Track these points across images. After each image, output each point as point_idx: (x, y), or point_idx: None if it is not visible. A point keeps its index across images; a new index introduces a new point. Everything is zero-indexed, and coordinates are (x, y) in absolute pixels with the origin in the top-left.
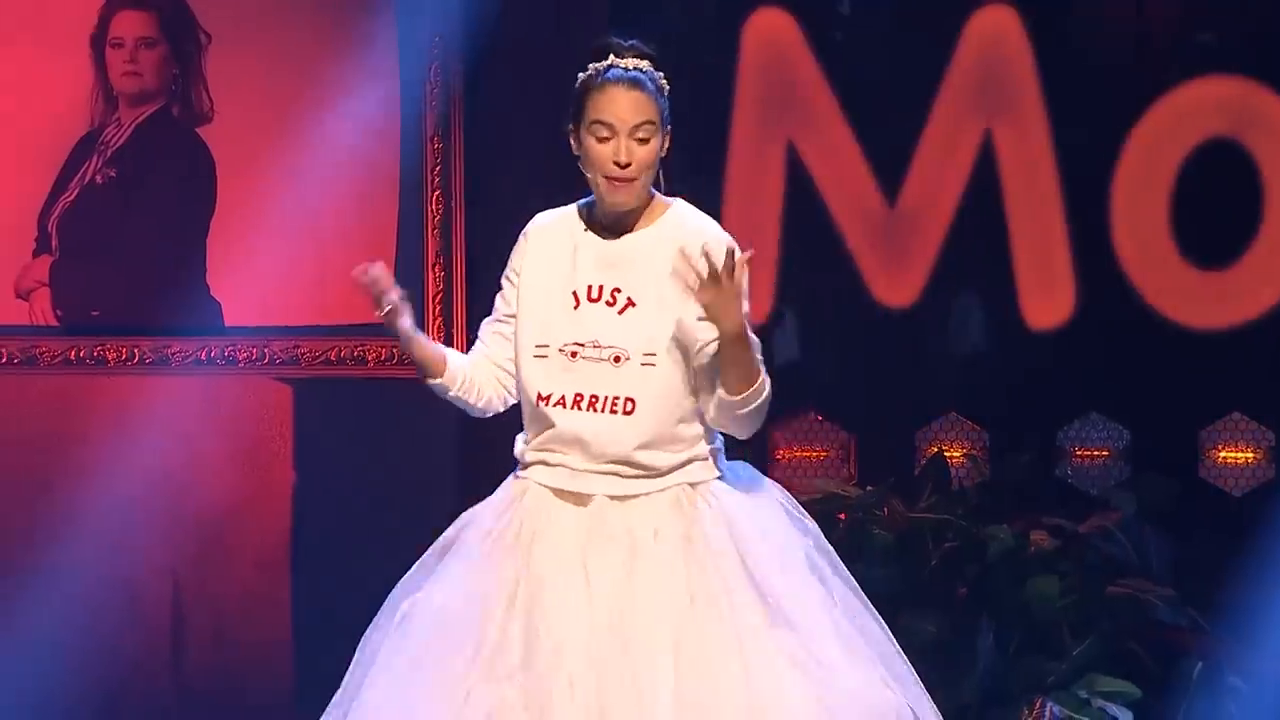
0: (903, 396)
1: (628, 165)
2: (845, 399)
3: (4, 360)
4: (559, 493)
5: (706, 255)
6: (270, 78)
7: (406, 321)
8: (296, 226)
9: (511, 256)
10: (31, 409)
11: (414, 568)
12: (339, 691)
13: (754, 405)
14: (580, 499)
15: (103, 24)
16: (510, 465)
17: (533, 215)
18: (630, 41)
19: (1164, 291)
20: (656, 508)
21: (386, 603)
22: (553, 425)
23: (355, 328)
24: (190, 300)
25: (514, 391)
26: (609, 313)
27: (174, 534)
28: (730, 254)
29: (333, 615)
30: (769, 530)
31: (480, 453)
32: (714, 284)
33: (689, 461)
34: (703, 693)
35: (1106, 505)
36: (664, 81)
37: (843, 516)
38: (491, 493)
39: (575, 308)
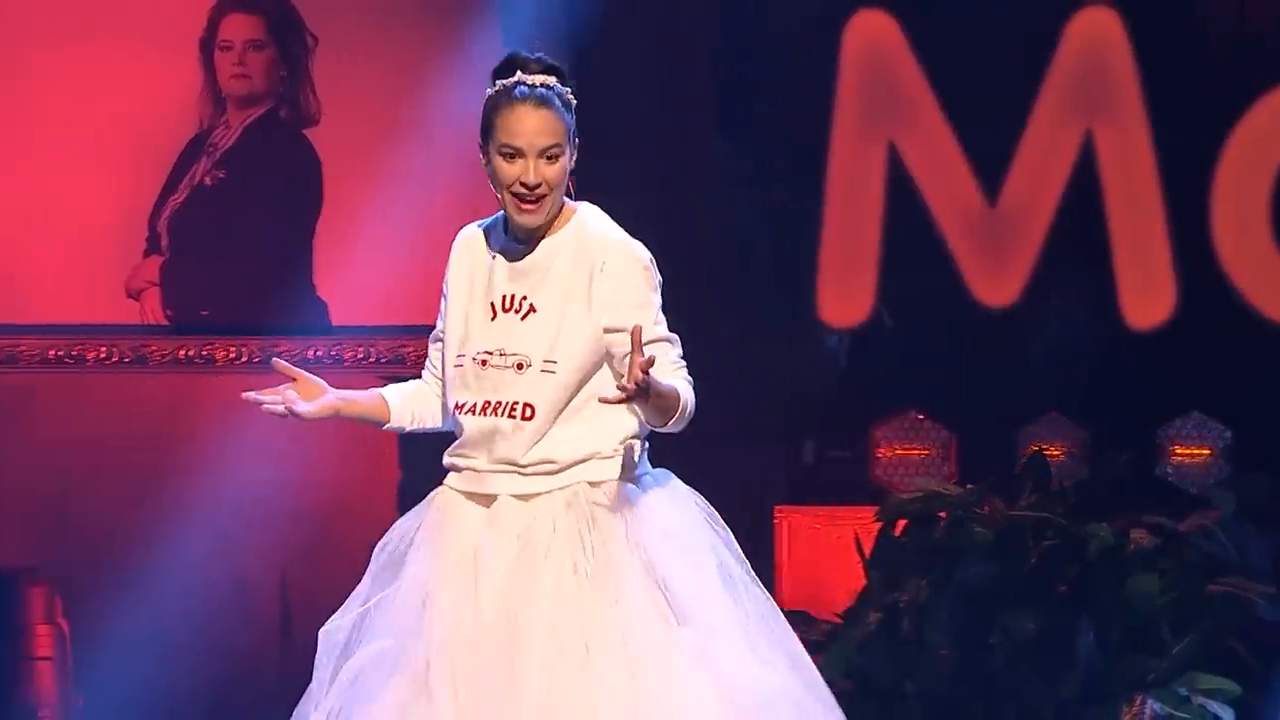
0: (1003, 395)
1: (537, 186)
2: (946, 398)
3: (115, 359)
4: (469, 495)
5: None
6: (376, 80)
7: (326, 400)
8: (401, 226)
9: (446, 273)
10: (141, 408)
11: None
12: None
13: (677, 425)
14: (486, 500)
15: (212, 27)
16: None
17: (634, 217)
18: (536, 55)
19: (1264, 290)
20: (553, 505)
21: (324, 638)
22: (463, 431)
23: None
24: (297, 300)
25: None
26: (515, 320)
27: (282, 531)
28: (647, 362)
29: None
30: (672, 530)
31: None
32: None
33: (589, 458)
34: (583, 685)
35: (1207, 504)
36: (571, 96)
37: (943, 515)
38: None
39: (492, 319)
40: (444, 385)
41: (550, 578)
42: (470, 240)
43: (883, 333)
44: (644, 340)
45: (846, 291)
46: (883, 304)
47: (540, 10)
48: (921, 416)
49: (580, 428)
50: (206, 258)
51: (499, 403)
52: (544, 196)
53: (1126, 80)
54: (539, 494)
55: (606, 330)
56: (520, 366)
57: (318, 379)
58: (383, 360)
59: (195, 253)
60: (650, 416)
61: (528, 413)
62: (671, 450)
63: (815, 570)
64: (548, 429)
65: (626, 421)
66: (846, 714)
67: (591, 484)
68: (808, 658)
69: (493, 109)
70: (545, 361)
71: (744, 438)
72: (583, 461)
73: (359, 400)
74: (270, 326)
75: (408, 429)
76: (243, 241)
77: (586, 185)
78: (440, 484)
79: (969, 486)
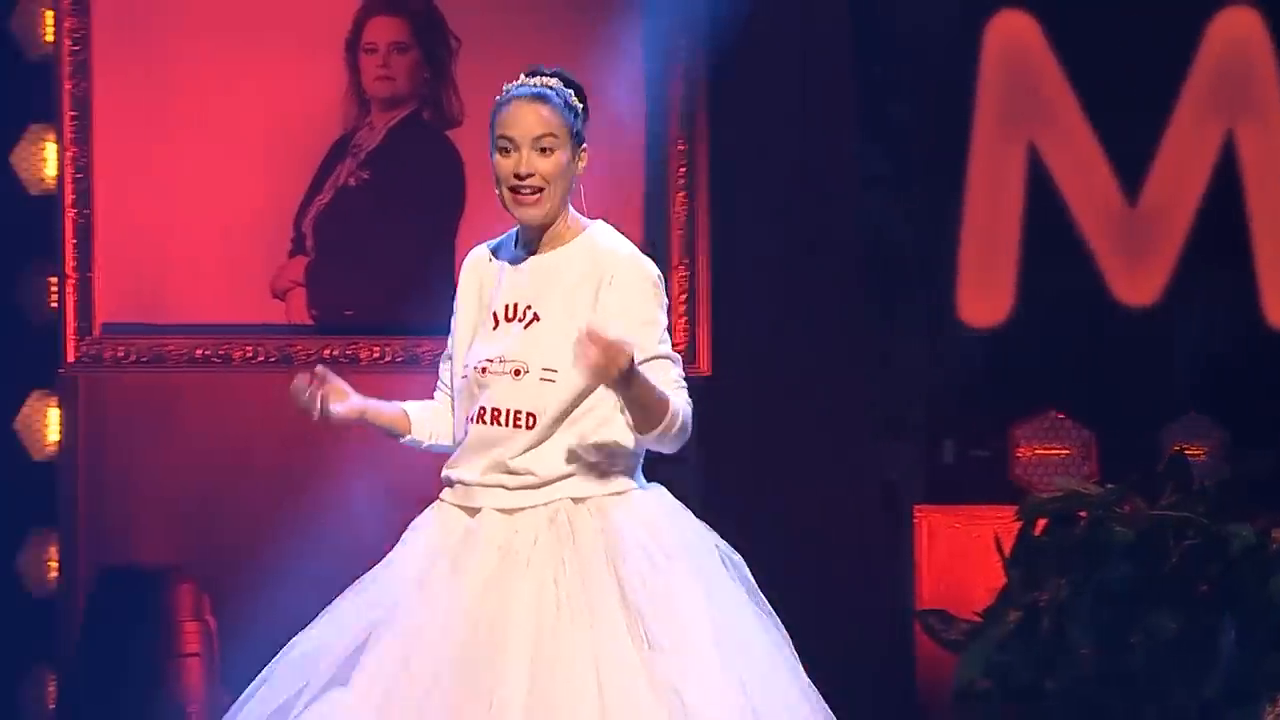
0: (1143, 395)
1: (528, 176)
2: (1086, 397)
3: (260, 359)
4: (458, 507)
5: (588, 336)
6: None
7: (352, 403)
8: None
9: (457, 290)
10: (286, 407)
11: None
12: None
13: (669, 434)
14: (472, 513)
15: (357, 29)
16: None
17: (774, 216)
18: (554, 70)
19: None
20: (536, 520)
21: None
22: (465, 440)
23: None
24: (440, 300)
25: None
26: (517, 328)
27: None
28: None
29: None
30: (654, 550)
31: (722, 448)
32: (595, 366)
33: (572, 474)
34: (553, 706)
35: None
36: (576, 101)
37: (1083, 515)
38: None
39: (495, 328)
40: (454, 401)
41: (529, 591)
42: (479, 258)
43: (1023, 332)
44: (647, 356)
45: (986, 291)
46: (1023, 303)
47: (682, 11)
48: (1061, 416)
49: (569, 441)
50: (351, 258)
51: (499, 410)
52: (540, 190)
53: (1268, 79)
54: (522, 509)
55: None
56: (517, 373)
57: (345, 385)
58: None
59: (340, 253)
60: (634, 414)
61: (530, 422)
62: (812, 451)
63: (955, 569)
64: (545, 438)
65: (616, 438)
66: (985, 714)
67: (575, 500)
68: (806, 679)
69: (493, 113)
70: (544, 370)
71: (884, 438)
72: (566, 477)
73: (383, 410)
74: (413, 326)
75: (424, 445)
76: (386, 242)
77: (727, 184)
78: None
79: (1109, 486)
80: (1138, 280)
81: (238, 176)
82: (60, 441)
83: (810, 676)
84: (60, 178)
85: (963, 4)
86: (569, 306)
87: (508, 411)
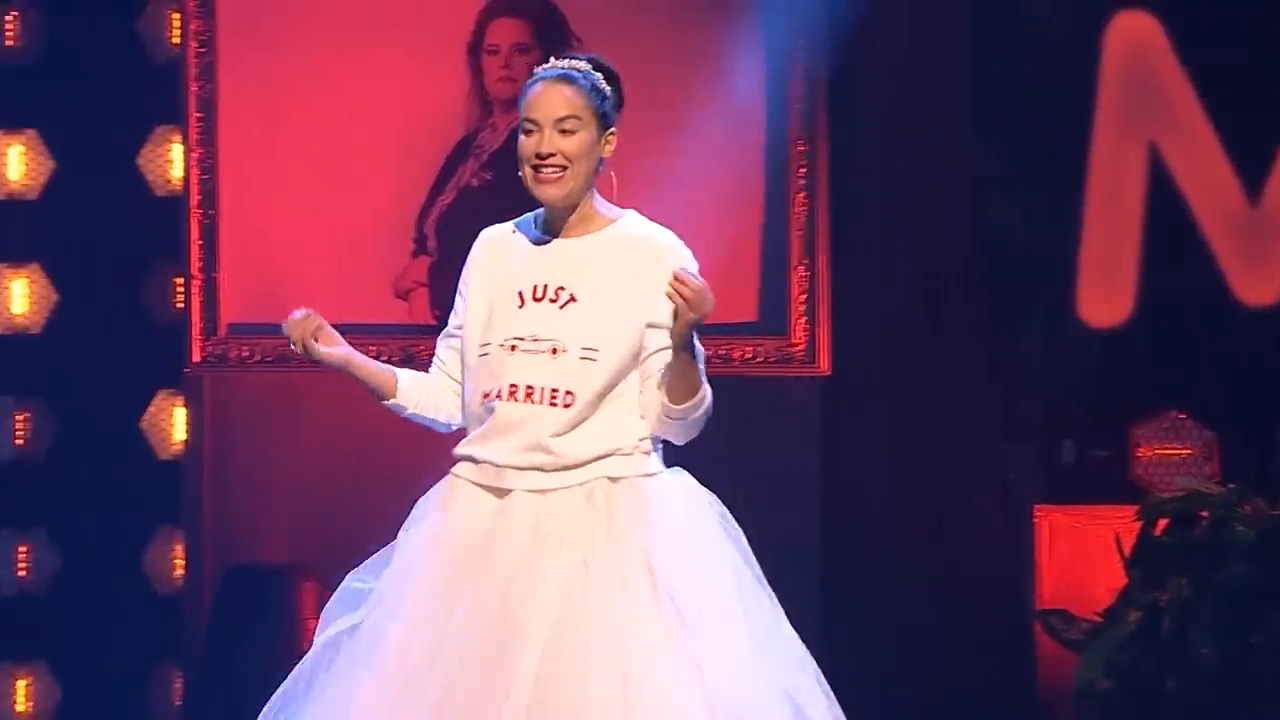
0: (1265, 395)
1: (550, 155)
2: (1207, 397)
3: (384, 359)
4: (482, 487)
5: (682, 277)
6: (638, 81)
7: (340, 350)
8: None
9: (464, 273)
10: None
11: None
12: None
13: (693, 417)
14: (499, 493)
15: (479, 31)
16: None
17: (899, 218)
18: (589, 56)
19: None
20: (572, 500)
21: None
22: (490, 419)
23: (721, 327)
24: None
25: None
26: (551, 308)
27: None
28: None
29: None
30: (686, 532)
31: (842, 448)
32: (688, 302)
33: (610, 454)
34: (573, 684)
35: None
36: (605, 84)
37: (1204, 514)
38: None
39: (520, 307)
40: (465, 379)
41: (559, 572)
42: (494, 237)
43: (1143, 332)
44: (666, 345)
45: (1107, 291)
46: (1143, 303)
47: (800, 11)
48: (1182, 416)
49: (605, 423)
50: None
51: (532, 387)
52: (562, 169)
53: None
54: (555, 489)
55: (649, 325)
56: (555, 351)
57: (338, 335)
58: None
59: (462, 253)
60: (676, 381)
61: (568, 400)
62: (932, 452)
63: (1075, 569)
64: (584, 418)
65: (643, 421)
66: (1106, 713)
67: (611, 479)
68: (814, 666)
69: (521, 95)
70: (584, 349)
71: (1004, 438)
72: (603, 457)
73: (369, 366)
74: None
75: (407, 412)
76: None
77: (847, 184)
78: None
79: (1230, 486)
80: (1258, 280)
81: (361, 177)
82: (186, 441)
83: (932, 675)
84: (186, 179)
85: (1083, 4)
86: (609, 290)
87: (542, 389)
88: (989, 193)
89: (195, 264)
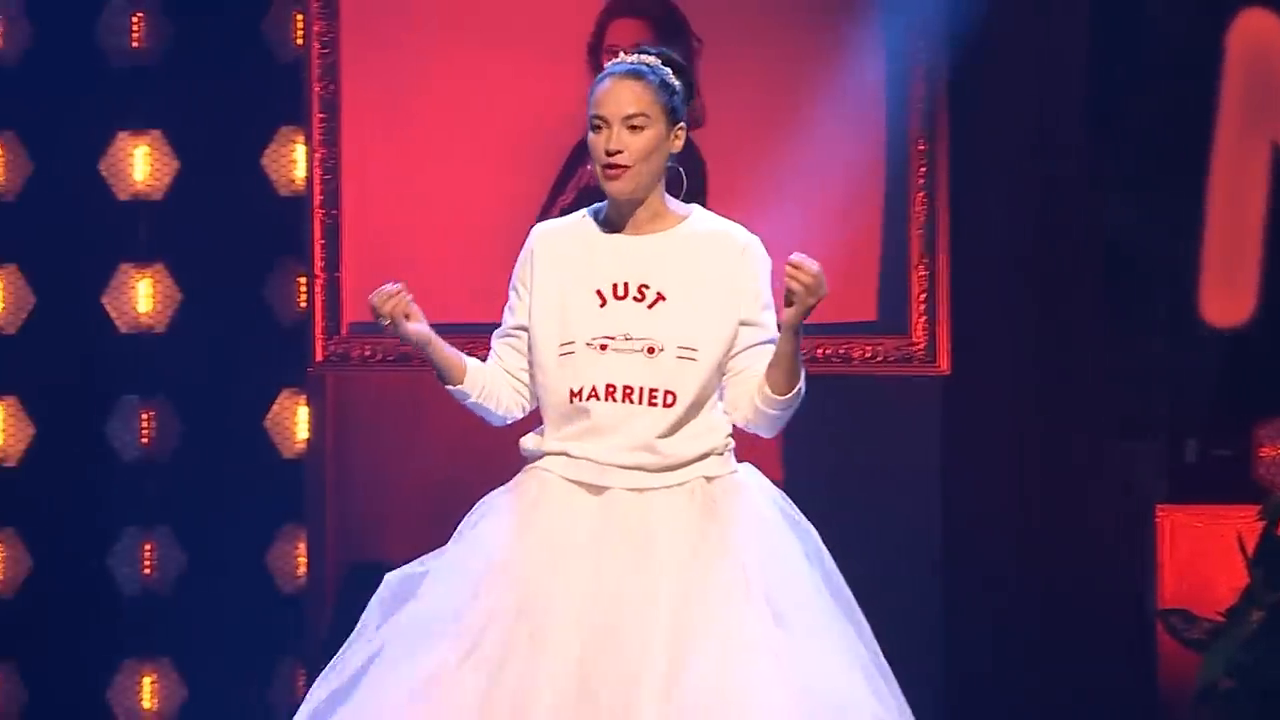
0: None
1: (617, 153)
2: None
3: None
4: (578, 484)
5: (798, 262)
6: (759, 82)
7: (419, 326)
8: (784, 227)
9: (518, 270)
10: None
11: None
12: (336, 659)
13: (792, 407)
14: (598, 490)
15: (599, 32)
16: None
17: (1019, 217)
18: (659, 50)
19: None
20: (673, 501)
21: (385, 584)
22: (584, 418)
23: (841, 326)
24: None
25: (530, 398)
26: (638, 307)
27: None
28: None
29: None
30: (776, 529)
31: (962, 447)
32: (807, 288)
33: (707, 455)
34: (690, 687)
35: None
36: (674, 79)
37: None
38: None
39: (601, 305)
40: (540, 377)
41: (670, 573)
42: (553, 234)
43: (1266, 332)
44: (760, 340)
45: (1229, 291)
46: (1266, 303)
47: (920, 10)
48: None
49: (703, 422)
50: None
51: (630, 387)
52: (628, 166)
53: None
54: (656, 489)
55: (742, 323)
56: (651, 350)
57: (422, 313)
58: (803, 359)
59: None
60: (782, 371)
61: (669, 400)
62: (1052, 451)
63: (1197, 569)
64: (688, 418)
65: (726, 420)
66: (1229, 713)
67: (707, 479)
68: (884, 666)
69: (591, 91)
70: (682, 348)
71: (1125, 437)
72: (703, 457)
73: (444, 349)
74: None
75: (470, 400)
76: None
77: (967, 183)
78: (526, 468)
79: None
80: None
81: (481, 177)
82: (309, 439)
83: (1052, 674)
84: (309, 179)
85: (1204, 3)
86: (697, 288)
87: (641, 389)
88: (1109, 192)
89: (318, 263)
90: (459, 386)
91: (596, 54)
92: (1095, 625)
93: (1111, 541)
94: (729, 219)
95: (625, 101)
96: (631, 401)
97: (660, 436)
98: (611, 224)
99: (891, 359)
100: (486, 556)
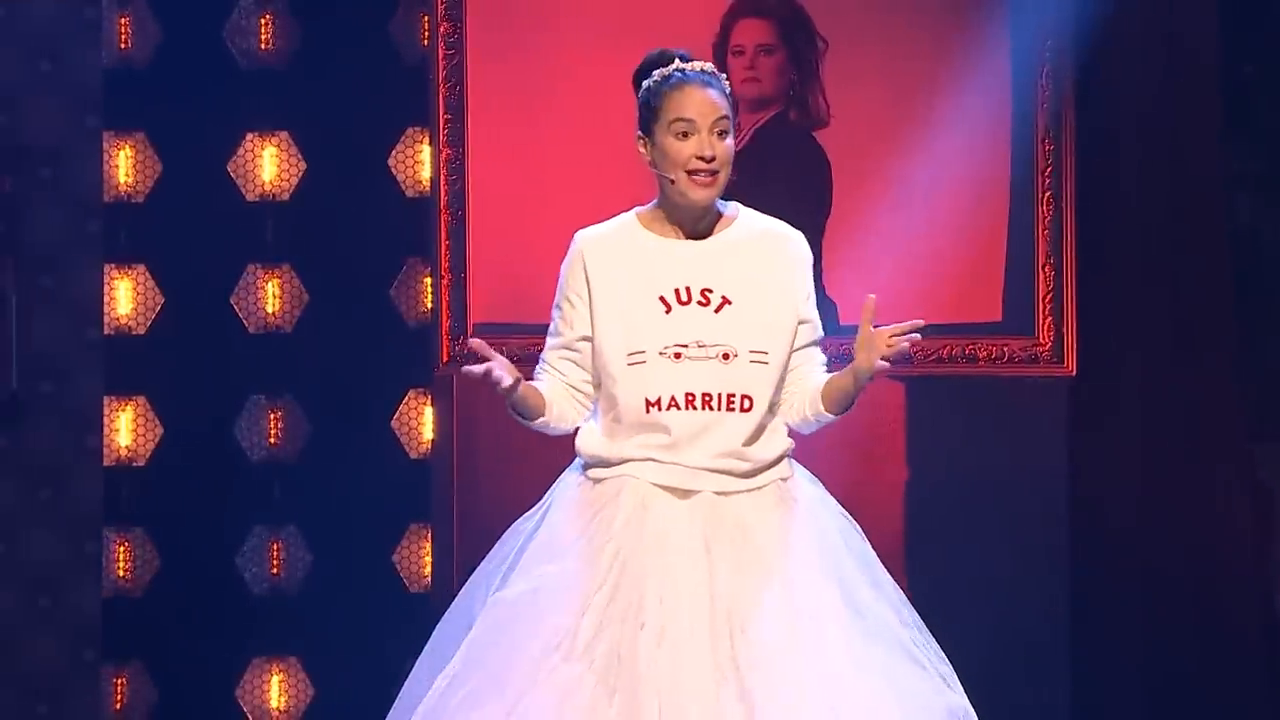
0: None
1: (712, 159)
2: None
3: None
4: (664, 488)
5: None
6: (884, 82)
7: (512, 380)
8: (908, 227)
9: (568, 279)
10: None
11: (491, 564)
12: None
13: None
14: (686, 494)
15: (724, 32)
16: None
17: (1146, 217)
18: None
19: None
20: (760, 503)
21: (461, 597)
22: (664, 426)
23: (966, 326)
24: None
25: (589, 408)
26: (704, 312)
27: None
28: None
29: (948, 610)
30: (851, 534)
31: (1089, 448)
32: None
33: (783, 456)
34: (786, 693)
35: None
36: (728, 88)
37: None
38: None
39: (667, 311)
40: (609, 386)
41: (771, 569)
42: (601, 240)
43: None
44: (813, 340)
45: None
46: None
47: (1049, 11)
48: None
49: (777, 425)
50: None
51: (709, 394)
52: (717, 172)
53: None
54: (740, 492)
55: (800, 321)
56: (726, 357)
57: (508, 362)
58: (929, 359)
59: None
60: (846, 398)
61: (746, 404)
62: (1181, 453)
63: None
64: (766, 422)
65: (784, 421)
66: None
67: (782, 480)
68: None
69: (657, 94)
70: (754, 352)
71: (1254, 438)
72: (780, 460)
73: (529, 388)
74: None
75: (550, 427)
76: None
77: (1094, 184)
78: (582, 473)
79: None
80: None
81: (604, 179)
82: (434, 440)
83: (1179, 676)
84: (435, 180)
85: None
86: (757, 290)
87: (719, 395)
88: (1239, 192)
89: (444, 264)
90: (542, 419)
91: (721, 54)
92: (1223, 627)
93: (1239, 543)
94: (771, 217)
95: (713, 106)
96: (711, 408)
97: (745, 443)
98: (664, 228)
99: (1018, 360)
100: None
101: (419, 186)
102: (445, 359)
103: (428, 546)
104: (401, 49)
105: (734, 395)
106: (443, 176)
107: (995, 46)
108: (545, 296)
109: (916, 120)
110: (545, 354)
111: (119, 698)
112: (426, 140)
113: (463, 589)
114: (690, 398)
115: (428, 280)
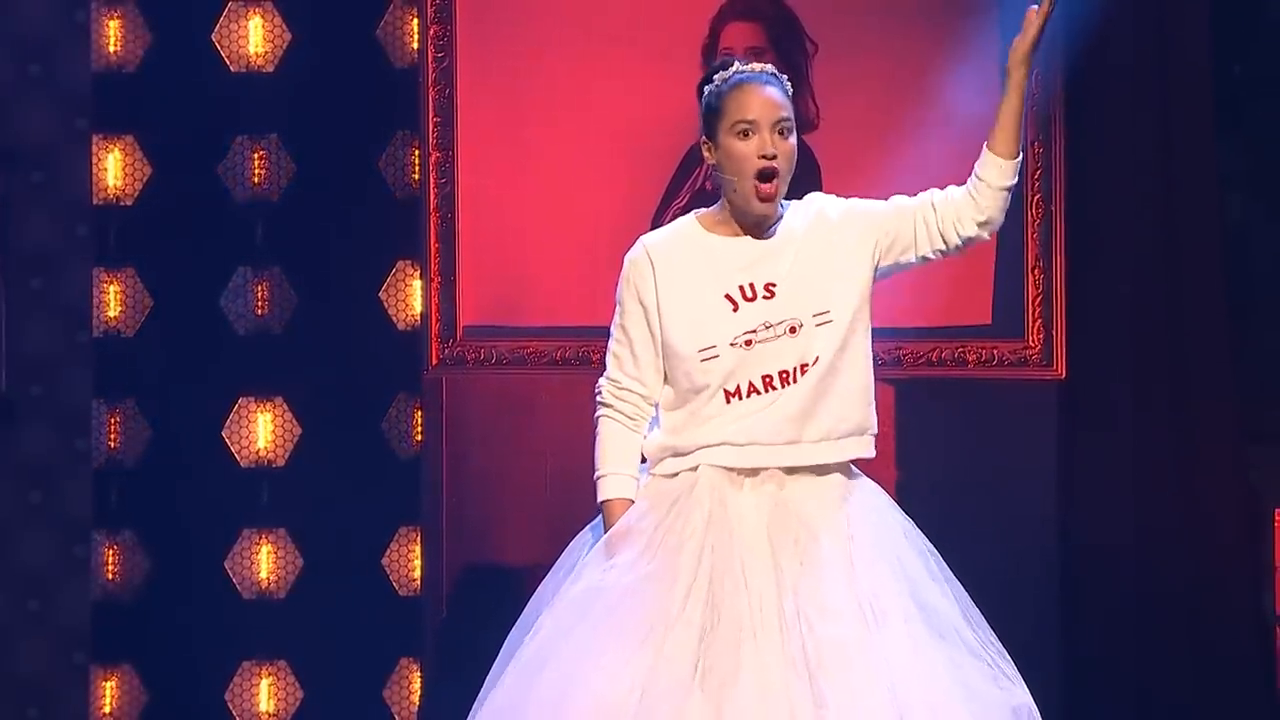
0: None
1: (774, 157)
2: None
3: None
4: (739, 472)
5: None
6: (872, 85)
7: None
8: None
9: (635, 285)
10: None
11: (570, 556)
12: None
13: (1013, 184)
14: (753, 473)
15: (713, 35)
16: None
17: (1136, 219)
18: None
19: None
20: (825, 497)
21: (541, 591)
22: (742, 410)
23: (956, 329)
24: None
25: (651, 412)
26: (765, 302)
27: None
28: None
29: None
30: (904, 529)
31: (1078, 450)
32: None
33: (853, 433)
34: (851, 690)
35: None
36: (789, 87)
37: None
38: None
39: (734, 310)
40: (683, 384)
41: (830, 562)
42: (666, 245)
43: None
44: (889, 204)
45: None
46: None
47: None
48: None
49: (845, 401)
50: None
51: (786, 370)
52: (779, 170)
53: None
54: (805, 471)
55: (865, 230)
56: (793, 330)
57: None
58: (880, 361)
59: None
60: (1010, 127)
61: (814, 360)
62: (1171, 455)
63: None
64: (830, 376)
65: (868, 409)
66: None
67: (847, 477)
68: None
69: (718, 97)
70: (817, 315)
71: (1244, 438)
72: (846, 437)
73: (628, 472)
74: None
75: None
76: None
77: (1084, 186)
78: (652, 469)
79: None
80: None
81: (595, 181)
82: (424, 442)
83: (1170, 678)
84: (424, 183)
85: None
86: (803, 256)
87: (794, 369)
88: (1231, 191)
89: (434, 267)
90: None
91: (710, 57)
92: (1213, 628)
93: (1231, 545)
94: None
95: (774, 105)
96: (788, 384)
97: (803, 413)
98: (729, 228)
99: (1007, 362)
100: (673, 562)
101: (409, 189)
102: (435, 361)
103: (417, 549)
104: (391, 52)
105: (806, 365)
106: (432, 179)
107: (985, 49)
108: (535, 298)
109: (906, 124)
110: (610, 371)
111: (108, 701)
112: (416, 143)
113: (531, 599)
114: (768, 379)
115: (417, 283)
